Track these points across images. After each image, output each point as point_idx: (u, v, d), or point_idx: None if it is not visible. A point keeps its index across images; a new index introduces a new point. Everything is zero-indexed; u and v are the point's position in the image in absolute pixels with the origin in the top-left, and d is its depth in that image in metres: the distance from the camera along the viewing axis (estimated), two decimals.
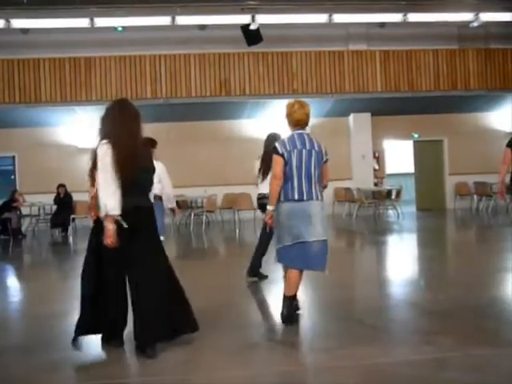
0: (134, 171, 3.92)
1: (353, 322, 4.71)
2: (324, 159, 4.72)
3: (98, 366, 3.93)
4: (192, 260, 9.29)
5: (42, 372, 3.78)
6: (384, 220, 14.22)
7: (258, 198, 6.95)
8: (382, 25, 15.05)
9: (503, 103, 15.93)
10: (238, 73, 14.06)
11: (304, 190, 4.58)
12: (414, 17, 13.71)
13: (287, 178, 4.58)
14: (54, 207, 13.50)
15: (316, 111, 14.92)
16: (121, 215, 3.86)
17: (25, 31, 14.03)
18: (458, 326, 4.44)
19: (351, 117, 15.58)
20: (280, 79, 14.18)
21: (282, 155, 4.56)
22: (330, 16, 13.47)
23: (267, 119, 15.27)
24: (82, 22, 12.85)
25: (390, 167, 17.14)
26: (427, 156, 16.52)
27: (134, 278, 4.06)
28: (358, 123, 15.55)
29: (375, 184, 15.65)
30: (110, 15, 12.96)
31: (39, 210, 14.04)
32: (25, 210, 13.58)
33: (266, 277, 6.60)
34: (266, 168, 6.53)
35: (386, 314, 4.91)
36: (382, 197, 15.04)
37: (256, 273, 6.60)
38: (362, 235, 12.20)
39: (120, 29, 14.06)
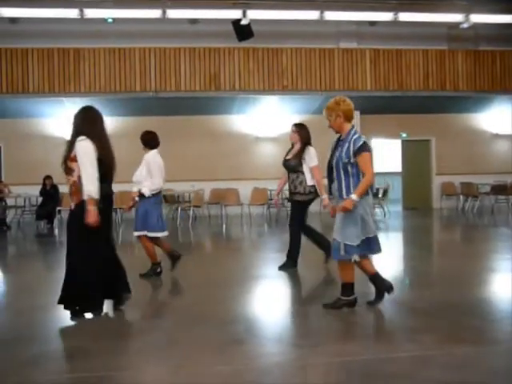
0: (112, 163, 4.79)
1: (336, 319, 4.73)
2: None
3: (81, 358, 3.91)
4: None
5: (24, 366, 3.75)
6: None
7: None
8: (373, 23, 15.09)
9: (491, 105, 16.06)
10: (228, 68, 14.03)
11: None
12: (404, 16, 13.78)
13: None
14: (40, 199, 13.40)
15: (305, 108, 14.98)
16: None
17: (14, 20, 13.90)
18: (441, 324, 4.47)
19: None
20: (270, 75, 14.17)
21: (371, 152, 4.88)
22: (322, 13, 13.50)
23: (256, 115, 15.27)
24: (72, 13, 12.76)
25: (378, 166, 17.16)
26: (415, 155, 16.62)
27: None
28: None
29: None
30: (100, 6, 12.88)
31: (25, 201, 13.93)
32: (10, 202, 13.46)
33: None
34: None
35: (369, 312, 4.93)
36: None
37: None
38: None
39: (110, 20, 13.96)
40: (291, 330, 4.61)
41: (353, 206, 4.75)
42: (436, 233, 12.59)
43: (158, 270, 6.63)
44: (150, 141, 6.68)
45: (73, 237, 4.78)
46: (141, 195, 6.49)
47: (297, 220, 6.88)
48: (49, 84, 13.52)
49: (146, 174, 6.47)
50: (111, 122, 14.49)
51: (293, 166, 6.75)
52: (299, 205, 6.79)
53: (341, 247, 4.83)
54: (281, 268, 6.85)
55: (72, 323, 4.70)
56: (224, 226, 13.16)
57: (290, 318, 4.98)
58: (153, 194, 6.51)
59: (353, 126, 4.94)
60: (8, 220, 13.18)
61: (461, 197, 15.98)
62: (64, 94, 13.61)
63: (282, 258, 7.03)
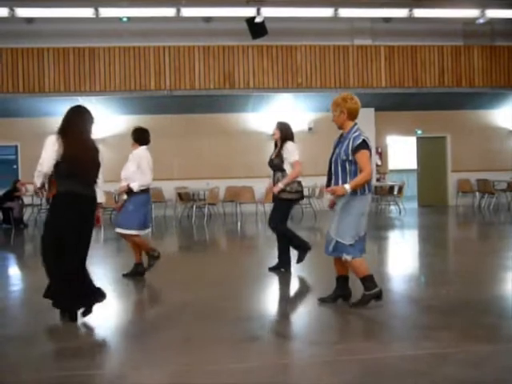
0: (80, 164, 4.65)
1: (353, 317, 4.72)
2: None
3: (94, 356, 3.95)
4: (193, 252, 9.32)
5: (41, 361, 3.80)
6: (386, 215, 14.22)
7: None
8: (388, 20, 15.02)
9: (507, 101, 15.89)
10: (242, 66, 14.04)
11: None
12: (419, 12, 13.66)
13: None
14: None
15: (320, 106, 14.94)
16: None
17: (29, 20, 14.04)
18: (457, 321, 4.45)
19: None
20: (284, 73, 14.15)
21: (370, 150, 4.81)
22: (336, 10, 13.43)
23: (271, 113, 15.26)
24: (87, 12, 12.83)
25: (393, 163, 17.13)
26: (430, 152, 16.51)
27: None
28: (362, 118, 15.12)
29: (377, 179, 15.64)
30: (114, 5, 12.94)
31: (41, 199, 14.06)
32: (27, 200, 13.60)
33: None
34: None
35: (386, 309, 4.92)
36: (384, 192, 15.04)
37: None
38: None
39: (125, 19, 14.03)
40: (307, 327, 4.61)
41: (341, 193, 4.65)
42: (452, 230, 12.50)
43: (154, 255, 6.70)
44: (141, 137, 6.66)
45: None
46: (129, 191, 6.49)
47: (278, 218, 6.70)
48: (64, 83, 13.62)
49: (136, 170, 6.47)
50: (126, 121, 14.61)
51: (276, 164, 6.67)
52: (284, 202, 6.64)
53: (332, 243, 4.82)
54: (298, 261, 6.78)
55: (89, 320, 4.74)
56: (239, 223, 13.18)
57: (306, 315, 4.98)
58: (142, 191, 6.50)
59: (355, 124, 4.87)
60: (25, 218, 13.32)
61: (477, 194, 15.84)
62: (79, 93, 13.70)
63: (297, 255, 7.00)
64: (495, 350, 3.76)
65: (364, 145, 4.72)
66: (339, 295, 5.07)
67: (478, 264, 7.16)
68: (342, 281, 5.08)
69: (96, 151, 4.87)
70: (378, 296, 4.89)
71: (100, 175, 4.91)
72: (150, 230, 6.83)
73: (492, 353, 3.72)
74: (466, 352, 3.73)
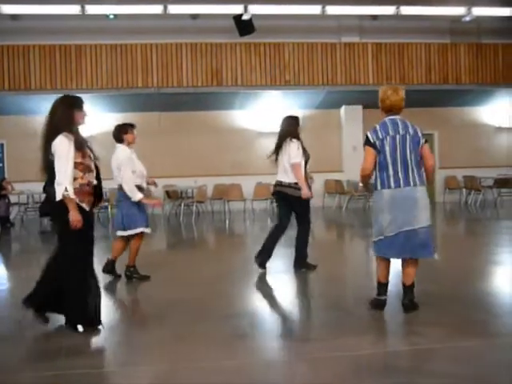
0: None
1: (342, 313, 4.73)
2: (421, 143, 4.62)
3: (86, 355, 3.92)
4: (182, 250, 9.30)
5: (30, 361, 3.76)
6: None
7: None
8: (375, 17, 15.06)
9: (493, 98, 16.02)
10: (229, 63, 14.02)
11: (400, 176, 4.53)
12: (406, 10, 13.73)
13: (382, 166, 4.56)
14: (43, 195, 13.38)
15: (307, 103, 14.95)
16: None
17: (15, 17, 13.89)
18: (446, 317, 4.47)
19: (343, 109, 15.59)
20: (272, 70, 14.15)
21: (374, 145, 4.55)
22: (323, 8, 13.47)
23: (259, 110, 15.26)
24: (73, 9, 12.75)
25: None
26: None
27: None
28: (350, 115, 15.55)
29: None
30: (101, 2, 12.87)
31: (28, 198, 13.95)
32: (13, 199, 13.48)
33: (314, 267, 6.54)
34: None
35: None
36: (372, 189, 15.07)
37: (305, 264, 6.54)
38: (352, 228, 12.24)
39: (112, 16, 13.94)
40: (295, 324, 4.61)
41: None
42: (439, 227, 12.56)
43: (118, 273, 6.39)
44: (113, 135, 6.57)
45: None
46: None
47: None
48: (50, 81, 13.51)
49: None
50: (114, 119, 14.52)
51: None
52: None
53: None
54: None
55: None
56: (227, 221, 13.17)
57: (294, 312, 4.98)
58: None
59: (385, 117, 4.71)
60: (11, 217, 13.20)
61: (464, 190, 15.95)
62: (66, 91, 13.57)
63: (285, 253, 7.02)
64: (484, 346, 3.78)
65: (365, 140, 4.62)
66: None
67: (465, 260, 7.20)
68: (404, 288, 4.77)
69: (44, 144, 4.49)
70: (380, 305, 4.69)
71: (58, 171, 4.37)
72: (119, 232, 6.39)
73: (481, 348, 3.73)
74: (454, 348, 3.74)
